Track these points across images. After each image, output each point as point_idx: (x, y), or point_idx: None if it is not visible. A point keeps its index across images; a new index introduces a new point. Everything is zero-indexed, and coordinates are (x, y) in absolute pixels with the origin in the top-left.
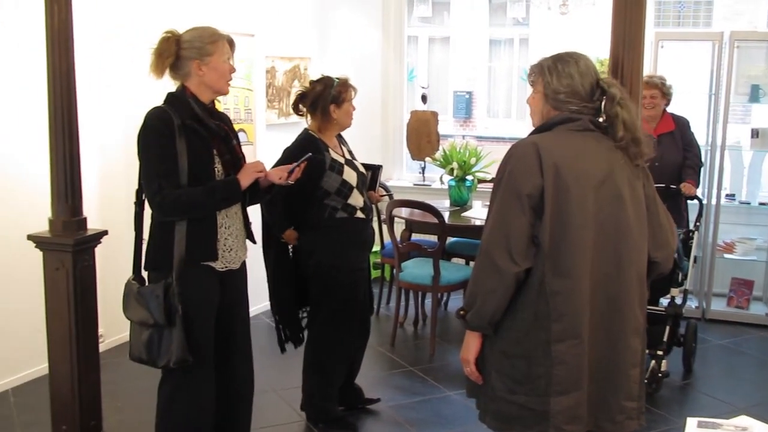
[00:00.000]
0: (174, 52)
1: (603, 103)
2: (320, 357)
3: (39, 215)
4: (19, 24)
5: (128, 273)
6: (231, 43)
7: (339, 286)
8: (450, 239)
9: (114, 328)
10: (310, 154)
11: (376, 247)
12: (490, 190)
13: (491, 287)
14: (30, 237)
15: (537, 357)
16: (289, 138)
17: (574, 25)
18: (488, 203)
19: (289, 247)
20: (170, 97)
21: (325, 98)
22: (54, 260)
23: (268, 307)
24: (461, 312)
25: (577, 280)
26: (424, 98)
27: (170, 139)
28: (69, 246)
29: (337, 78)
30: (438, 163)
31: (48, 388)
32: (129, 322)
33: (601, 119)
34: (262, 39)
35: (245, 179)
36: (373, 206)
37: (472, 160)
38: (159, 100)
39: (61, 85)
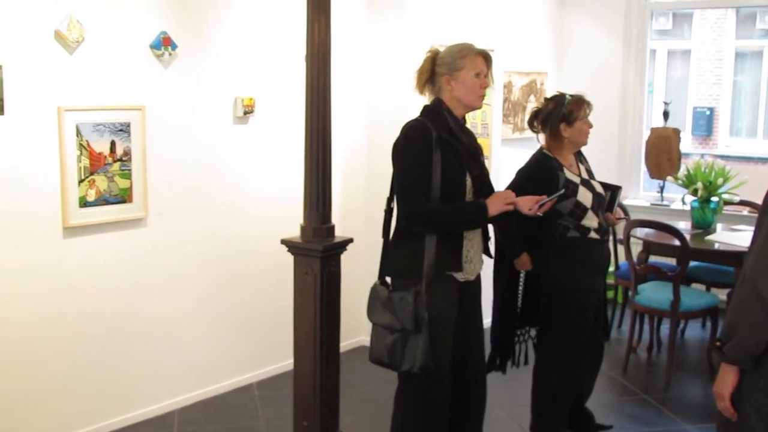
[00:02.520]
0: (429, 69)
1: None
2: (550, 378)
3: (292, 221)
4: (282, 39)
5: (361, 279)
6: (486, 58)
7: (570, 307)
8: (691, 263)
9: (348, 332)
10: (563, 190)
11: (611, 268)
12: (737, 213)
13: (755, 319)
14: (283, 241)
15: None
16: (523, 153)
17: None
18: (734, 227)
19: (521, 273)
20: (427, 110)
21: (555, 117)
22: (304, 264)
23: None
24: (717, 343)
25: None
26: (665, 114)
27: (428, 152)
28: (318, 252)
29: (571, 95)
30: (680, 182)
31: (290, 384)
32: (371, 325)
33: None
34: (500, 53)
35: (494, 208)
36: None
37: (719, 181)
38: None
39: (318, 100)
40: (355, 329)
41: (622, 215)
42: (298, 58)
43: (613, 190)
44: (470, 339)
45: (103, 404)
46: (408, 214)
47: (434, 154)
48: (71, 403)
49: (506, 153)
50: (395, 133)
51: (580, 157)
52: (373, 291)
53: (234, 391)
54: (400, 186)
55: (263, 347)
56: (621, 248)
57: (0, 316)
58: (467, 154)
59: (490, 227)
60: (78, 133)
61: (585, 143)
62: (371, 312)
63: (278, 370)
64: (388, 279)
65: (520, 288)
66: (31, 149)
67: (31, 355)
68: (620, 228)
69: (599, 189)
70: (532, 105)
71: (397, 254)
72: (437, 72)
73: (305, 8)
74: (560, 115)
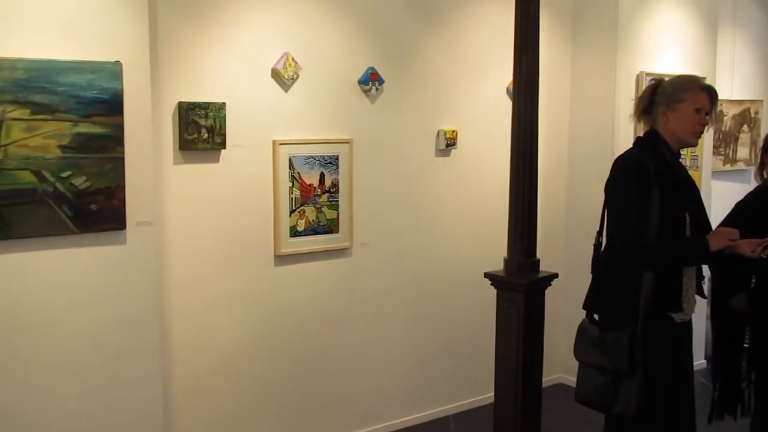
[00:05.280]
0: (649, 97)
1: None
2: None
3: (494, 254)
4: (484, 72)
5: (557, 313)
6: (711, 94)
7: None
8: None
9: (545, 369)
10: None
11: None
12: None
13: None
14: (486, 275)
15: None
16: (735, 187)
17: None
18: None
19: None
20: (641, 142)
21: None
22: (507, 298)
23: (704, 365)
24: None
25: None
26: None
27: (646, 187)
28: (522, 286)
29: None
30: None
31: (486, 418)
32: (570, 363)
33: None
34: (710, 81)
35: (716, 243)
36: None
37: None
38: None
39: (525, 134)
40: (553, 366)
41: None
42: (500, 91)
43: None
44: (682, 382)
45: (300, 428)
46: (628, 250)
47: (653, 190)
48: (271, 425)
49: (716, 187)
50: (596, 165)
51: None
52: (582, 329)
53: (429, 422)
54: (619, 222)
55: (461, 379)
56: None
57: (213, 337)
58: (685, 189)
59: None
60: (291, 165)
61: None
62: (580, 351)
63: (475, 404)
64: (595, 316)
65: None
66: (249, 181)
67: (238, 375)
68: None
69: None
70: (746, 135)
71: (608, 291)
72: (656, 101)
73: (512, 41)
74: None
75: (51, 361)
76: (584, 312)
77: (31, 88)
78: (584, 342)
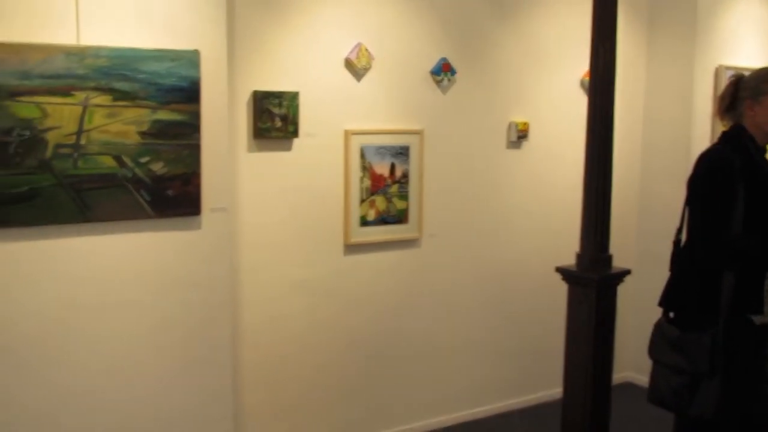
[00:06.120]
0: (732, 94)
1: None
2: None
3: (564, 248)
4: (558, 63)
5: (627, 311)
6: None
7: None
8: None
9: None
10: None
11: None
12: None
13: None
14: (558, 269)
15: None
16: None
17: None
18: None
19: None
20: (726, 138)
21: None
22: (578, 294)
23: None
24: None
25: None
26: None
27: (731, 184)
28: (594, 282)
29: None
30: None
31: (552, 414)
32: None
33: None
34: None
35: None
36: None
37: None
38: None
39: (600, 127)
40: (621, 364)
41: None
42: (573, 83)
43: None
44: (761, 386)
45: (367, 417)
46: (710, 249)
47: (737, 186)
48: (339, 413)
49: None
50: (672, 161)
51: None
52: (659, 329)
53: (494, 416)
54: (702, 220)
55: (528, 374)
56: None
57: (282, 324)
58: None
59: None
60: (362, 155)
61: None
62: (655, 351)
63: (541, 399)
64: (671, 314)
65: None
66: (320, 169)
67: (308, 363)
68: None
69: None
70: None
71: (688, 290)
72: (739, 96)
73: (585, 32)
74: None
75: (127, 341)
76: (655, 311)
77: (113, 75)
78: (661, 341)
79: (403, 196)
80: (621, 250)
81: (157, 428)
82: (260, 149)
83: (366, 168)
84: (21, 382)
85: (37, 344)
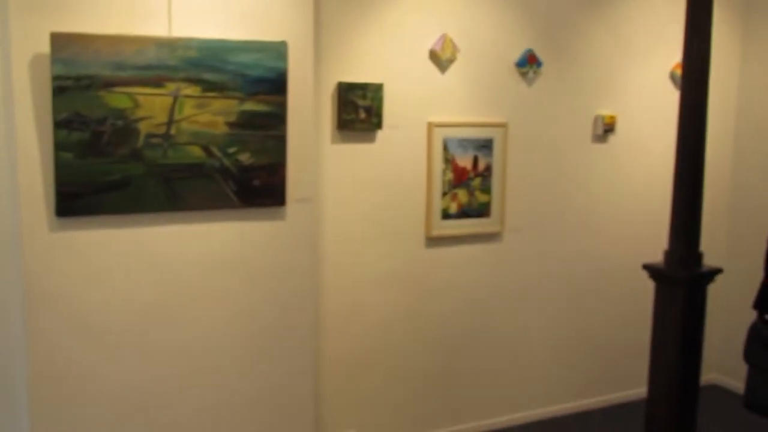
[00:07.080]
0: None
1: None
2: None
3: (651, 245)
4: (648, 56)
5: (714, 312)
6: None
7: None
8: None
9: None
10: None
11: None
12: None
13: None
14: (645, 267)
15: None
16: None
17: None
18: None
19: None
20: None
21: None
22: (666, 292)
23: None
24: None
25: None
26: None
27: None
28: (683, 280)
29: None
30: None
31: (634, 415)
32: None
33: None
34: None
35: None
36: None
37: None
38: None
39: (693, 122)
40: (707, 365)
41: None
42: (662, 76)
43: None
44: None
45: (445, 410)
46: None
47: None
48: (417, 405)
49: None
50: (766, 159)
51: None
52: (754, 331)
53: (574, 415)
54: None
55: (610, 373)
56: None
57: (363, 315)
58: None
59: None
60: (445, 147)
61: None
62: (752, 354)
63: (623, 399)
64: (766, 316)
65: None
66: (403, 161)
67: (387, 353)
68: None
69: None
70: None
71: None
72: None
73: (675, 22)
74: None
75: (214, 327)
76: (745, 311)
77: (203, 66)
78: (758, 344)
79: (486, 189)
80: (711, 248)
81: (242, 409)
82: (344, 141)
83: (449, 161)
84: (115, 367)
85: (130, 329)
